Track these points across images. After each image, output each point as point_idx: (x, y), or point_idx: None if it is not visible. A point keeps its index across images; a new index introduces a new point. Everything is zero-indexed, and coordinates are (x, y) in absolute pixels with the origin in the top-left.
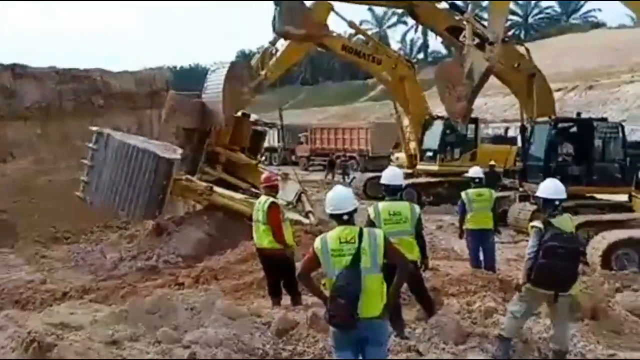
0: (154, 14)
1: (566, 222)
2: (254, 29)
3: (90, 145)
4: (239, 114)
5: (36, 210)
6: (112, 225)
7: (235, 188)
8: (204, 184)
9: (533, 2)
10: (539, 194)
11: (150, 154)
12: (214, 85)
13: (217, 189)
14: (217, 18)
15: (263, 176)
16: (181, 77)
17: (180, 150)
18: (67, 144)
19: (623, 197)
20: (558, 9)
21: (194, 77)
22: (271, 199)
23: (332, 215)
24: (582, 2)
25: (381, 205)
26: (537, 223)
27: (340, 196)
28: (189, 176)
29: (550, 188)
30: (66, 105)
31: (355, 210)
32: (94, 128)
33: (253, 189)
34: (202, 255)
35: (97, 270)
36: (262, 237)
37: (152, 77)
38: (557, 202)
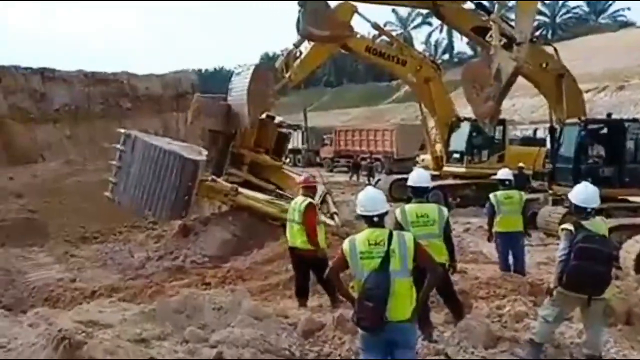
0: (181, 15)
1: (599, 225)
2: (279, 31)
3: (118, 146)
4: (264, 116)
5: (66, 211)
6: (139, 225)
7: (260, 189)
8: (229, 185)
9: (561, 1)
10: (572, 198)
11: (176, 155)
12: (239, 87)
13: (242, 190)
14: (240, 20)
15: (301, 177)
16: (206, 79)
17: (205, 152)
18: (95, 145)
19: None
20: (586, 9)
21: (218, 79)
22: (308, 200)
23: (362, 217)
24: (610, 2)
25: (408, 207)
26: (568, 225)
27: (371, 197)
28: (214, 177)
29: (583, 194)
30: (94, 107)
31: (386, 213)
32: (122, 130)
33: (278, 191)
34: (228, 256)
35: (125, 269)
36: (295, 236)
37: (177, 80)
38: (589, 209)
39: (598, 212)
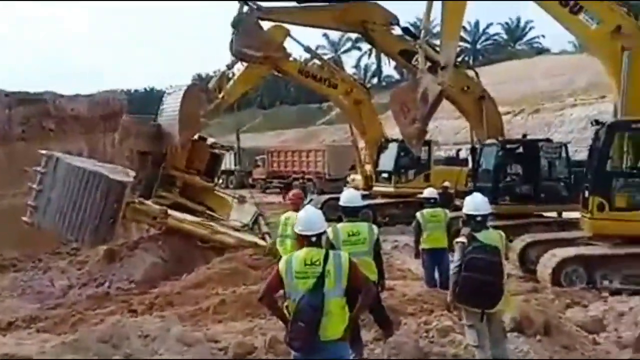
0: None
1: (491, 236)
2: (211, 52)
3: (39, 169)
4: (196, 137)
5: None
6: (61, 251)
7: (191, 211)
8: (158, 207)
9: (481, 29)
10: (463, 210)
11: (101, 176)
12: (170, 108)
13: (172, 212)
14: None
15: (292, 192)
16: (136, 100)
17: (132, 174)
18: (14, 169)
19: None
20: (505, 36)
21: (149, 100)
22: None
23: (300, 236)
24: (527, 29)
25: (340, 226)
26: (462, 238)
27: (310, 217)
28: (142, 199)
29: (472, 203)
30: (15, 129)
31: (324, 232)
32: (43, 152)
33: (210, 212)
34: (157, 281)
35: (46, 298)
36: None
37: (106, 100)
38: (479, 218)
39: (516, 227)
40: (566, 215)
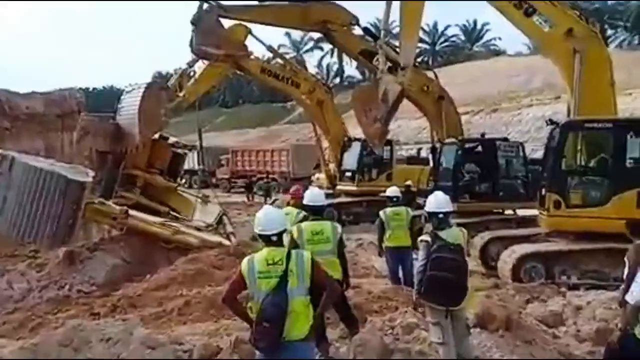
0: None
1: (454, 234)
2: (171, 50)
3: None
4: (157, 136)
5: None
6: (19, 254)
7: (153, 212)
8: (119, 207)
9: (440, 30)
10: (425, 208)
11: (59, 176)
12: (130, 106)
13: (133, 212)
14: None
15: (293, 188)
16: (94, 98)
17: (92, 173)
18: None
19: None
20: (463, 37)
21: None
22: (303, 212)
23: (260, 236)
24: (484, 32)
25: (304, 225)
26: (425, 237)
27: (269, 217)
28: (102, 200)
29: (432, 201)
30: None
31: (284, 231)
32: None
33: (172, 213)
34: (119, 283)
35: (3, 302)
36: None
37: (63, 98)
38: (441, 215)
39: (476, 224)
40: (522, 212)
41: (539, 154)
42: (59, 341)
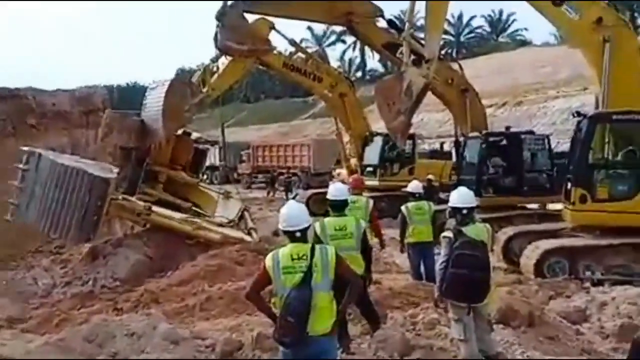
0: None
1: (478, 231)
2: (195, 46)
3: (21, 166)
4: (180, 132)
5: None
6: (44, 250)
7: (176, 207)
8: (142, 203)
9: (465, 21)
10: (449, 203)
11: (85, 173)
12: (154, 102)
13: (156, 208)
14: (155, 35)
15: (354, 177)
16: (119, 95)
17: (116, 170)
18: None
19: (553, 206)
20: (488, 29)
21: (132, 95)
22: (371, 199)
23: (284, 232)
24: (510, 22)
25: (327, 220)
26: (448, 233)
27: (293, 213)
28: (126, 196)
29: (456, 197)
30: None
31: (308, 227)
32: (25, 148)
33: (195, 208)
34: (142, 278)
35: (29, 298)
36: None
37: (88, 95)
38: (464, 211)
39: (500, 219)
40: (549, 206)
41: (565, 147)
42: (85, 336)
